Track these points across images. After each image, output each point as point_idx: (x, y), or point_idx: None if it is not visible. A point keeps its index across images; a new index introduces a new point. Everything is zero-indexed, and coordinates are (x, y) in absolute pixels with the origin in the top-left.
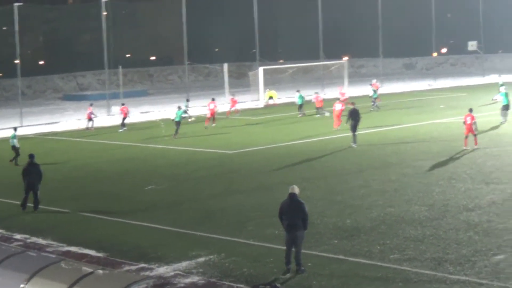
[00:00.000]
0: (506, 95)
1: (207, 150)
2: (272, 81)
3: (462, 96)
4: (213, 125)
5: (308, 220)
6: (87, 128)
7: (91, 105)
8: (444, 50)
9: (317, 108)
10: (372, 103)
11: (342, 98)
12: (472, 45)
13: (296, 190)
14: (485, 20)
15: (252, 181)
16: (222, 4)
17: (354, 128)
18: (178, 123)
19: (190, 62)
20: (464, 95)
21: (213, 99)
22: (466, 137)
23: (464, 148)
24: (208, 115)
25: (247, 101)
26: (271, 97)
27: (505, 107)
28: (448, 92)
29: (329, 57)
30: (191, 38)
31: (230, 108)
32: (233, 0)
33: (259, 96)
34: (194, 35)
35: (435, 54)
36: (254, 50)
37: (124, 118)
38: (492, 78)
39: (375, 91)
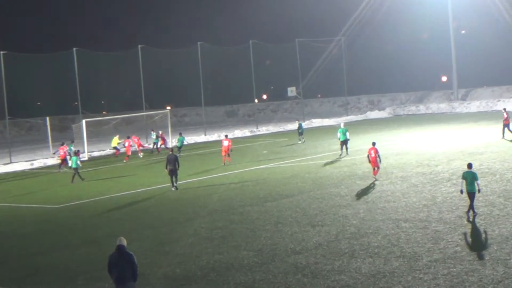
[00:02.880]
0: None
1: (32, 205)
2: (96, 133)
3: (284, 141)
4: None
5: (137, 272)
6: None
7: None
8: (265, 97)
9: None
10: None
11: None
12: (291, 90)
13: (124, 241)
14: (303, 66)
15: (79, 235)
16: (42, 57)
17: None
18: (75, 169)
19: (10, 116)
20: (286, 140)
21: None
22: (374, 168)
23: (374, 177)
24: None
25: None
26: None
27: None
28: (270, 137)
29: (152, 107)
30: (11, 92)
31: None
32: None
33: (83, 149)
34: (14, 89)
35: (256, 101)
36: (76, 103)
37: None
38: (314, 123)
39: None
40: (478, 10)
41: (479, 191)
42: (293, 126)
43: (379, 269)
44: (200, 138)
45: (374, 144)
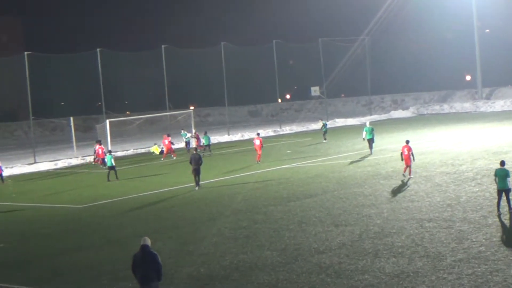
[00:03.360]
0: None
1: (56, 205)
2: (119, 133)
3: (307, 141)
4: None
5: (161, 271)
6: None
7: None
8: (288, 96)
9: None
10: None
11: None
12: (315, 90)
13: (148, 241)
14: (326, 65)
15: (103, 235)
16: (65, 57)
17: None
18: (112, 167)
19: (35, 117)
20: (310, 140)
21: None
22: (407, 166)
23: (403, 174)
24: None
25: (94, 154)
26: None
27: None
28: (293, 137)
29: (175, 107)
30: (35, 93)
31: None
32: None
33: (107, 149)
34: (38, 89)
35: (279, 101)
36: (100, 103)
37: None
38: (337, 122)
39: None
40: (502, 9)
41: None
42: (317, 125)
43: (403, 269)
44: (224, 138)
45: (407, 142)
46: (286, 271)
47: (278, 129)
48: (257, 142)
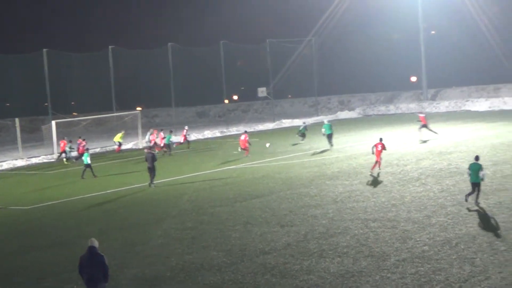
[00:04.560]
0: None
1: (0, 207)
2: (66, 134)
3: (254, 141)
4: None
5: (108, 273)
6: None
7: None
8: (235, 97)
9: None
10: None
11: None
12: (262, 91)
13: (95, 243)
14: (273, 66)
15: (49, 237)
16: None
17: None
18: (88, 165)
19: None
20: (257, 140)
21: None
22: (377, 162)
23: (371, 172)
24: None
25: (41, 155)
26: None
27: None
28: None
29: (122, 108)
30: None
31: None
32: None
33: (53, 150)
34: None
35: (226, 101)
36: (46, 104)
37: None
38: (284, 123)
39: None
40: (447, 11)
41: (482, 180)
42: (263, 127)
43: (348, 269)
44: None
45: (381, 139)
46: (231, 271)
47: (225, 130)
48: (242, 137)
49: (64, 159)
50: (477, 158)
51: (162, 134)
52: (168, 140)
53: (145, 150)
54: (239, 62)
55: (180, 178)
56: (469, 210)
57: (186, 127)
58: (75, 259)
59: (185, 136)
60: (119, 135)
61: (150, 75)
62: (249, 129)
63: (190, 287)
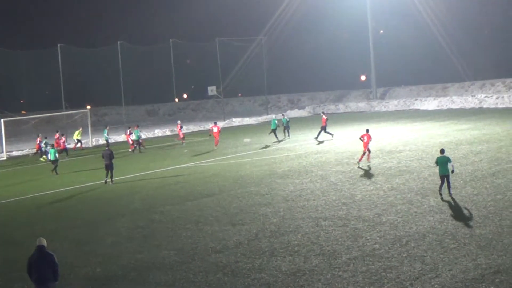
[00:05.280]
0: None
1: None
2: (14, 132)
3: (204, 140)
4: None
5: (58, 271)
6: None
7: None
8: (185, 96)
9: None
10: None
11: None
12: (212, 90)
13: (44, 242)
14: (223, 65)
15: None
16: None
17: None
18: (55, 161)
19: None
20: (207, 139)
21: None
22: (364, 153)
23: (358, 163)
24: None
25: None
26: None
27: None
28: (191, 137)
29: (72, 106)
30: None
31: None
32: None
33: (2, 149)
34: None
35: (176, 100)
36: None
37: None
38: (234, 122)
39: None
40: (396, 11)
41: (452, 171)
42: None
43: (299, 267)
44: (121, 137)
45: (367, 130)
46: (183, 270)
47: (175, 129)
48: (215, 129)
49: (43, 157)
50: (442, 151)
51: (128, 131)
52: (137, 136)
53: (105, 147)
54: (188, 60)
55: (131, 176)
56: (417, 208)
57: (179, 122)
58: (25, 258)
59: (180, 130)
60: (77, 132)
61: (99, 74)
62: (199, 128)
63: (142, 286)
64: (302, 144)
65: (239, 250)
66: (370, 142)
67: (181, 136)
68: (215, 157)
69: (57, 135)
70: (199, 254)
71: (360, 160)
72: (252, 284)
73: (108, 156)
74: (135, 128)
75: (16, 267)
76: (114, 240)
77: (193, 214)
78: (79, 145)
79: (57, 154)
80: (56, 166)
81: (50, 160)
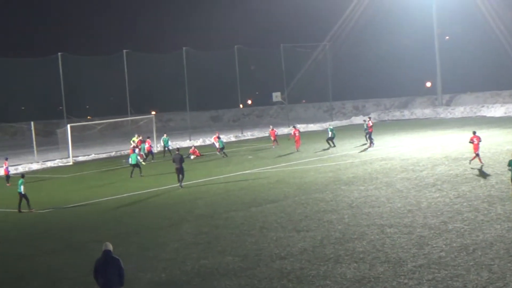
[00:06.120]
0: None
1: (15, 210)
2: (80, 138)
3: (269, 146)
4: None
5: (124, 276)
6: None
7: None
8: (250, 102)
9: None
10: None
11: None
12: (276, 96)
13: (110, 246)
14: (288, 71)
15: (63, 240)
16: (26, 62)
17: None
18: (136, 165)
19: None
20: (271, 145)
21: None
22: (477, 154)
23: (470, 162)
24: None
25: (56, 159)
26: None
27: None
28: (255, 143)
29: (137, 112)
30: None
31: None
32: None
33: (68, 154)
34: None
35: (241, 106)
36: (60, 107)
37: None
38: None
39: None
40: (462, 17)
41: None
42: (278, 131)
43: (364, 275)
44: (185, 143)
45: (474, 132)
46: (247, 276)
47: (240, 135)
48: (297, 133)
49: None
50: None
51: (149, 141)
52: (167, 143)
53: (175, 152)
54: (253, 67)
55: (195, 182)
56: (484, 216)
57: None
58: (89, 263)
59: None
60: (136, 140)
61: (165, 79)
62: (263, 134)
63: None
64: (367, 151)
65: (303, 257)
66: (480, 143)
67: (273, 138)
68: (279, 163)
69: (140, 139)
70: (263, 261)
71: (473, 159)
72: None
73: (179, 160)
74: (161, 136)
75: (80, 271)
76: (178, 245)
77: (257, 220)
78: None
79: (138, 158)
80: (134, 170)
81: (130, 164)
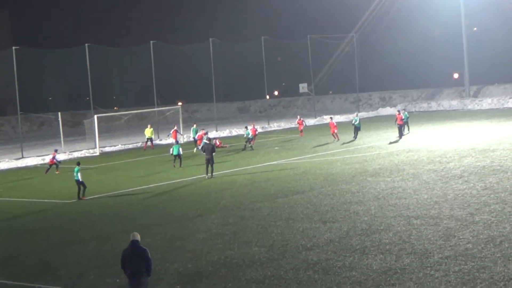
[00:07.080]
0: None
1: (43, 200)
2: (107, 128)
3: (295, 137)
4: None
5: (151, 266)
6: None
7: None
8: (276, 93)
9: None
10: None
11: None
12: (303, 87)
13: (138, 237)
14: (314, 62)
15: (91, 231)
16: (53, 53)
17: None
18: (178, 155)
19: (23, 112)
20: (298, 136)
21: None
22: None
23: None
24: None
25: (83, 150)
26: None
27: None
28: (282, 134)
29: (163, 103)
30: (23, 87)
31: None
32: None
33: (95, 144)
34: (26, 84)
35: (268, 97)
36: (87, 98)
37: None
38: (325, 119)
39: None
40: (489, 8)
41: None
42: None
43: (390, 266)
44: (212, 134)
45: None
46: (273, 267)
47: (266, 126)
48: (334, 123)
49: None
50: None
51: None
52: (195, 134)
53: (206, 141)
54: (280, 58)
55: (221, 173)
56: None
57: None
58: (116, 254)
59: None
60: (149, 130)
61: (191, 70)
62: (290, 125)
63: (232, 283)
64: (393, 142)
65: (329, 248)
66: None
67: (300, 128)
68: (305, 154)
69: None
70: (289, 251)
71: None
72: (343, 282)
73: (210, 150)
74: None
75: (108, 262)
76: (204, 236)
77: (283, 211)
78: (149, 143)
79: (180, 149)
80: (175, 160)
81: (173, 155)
